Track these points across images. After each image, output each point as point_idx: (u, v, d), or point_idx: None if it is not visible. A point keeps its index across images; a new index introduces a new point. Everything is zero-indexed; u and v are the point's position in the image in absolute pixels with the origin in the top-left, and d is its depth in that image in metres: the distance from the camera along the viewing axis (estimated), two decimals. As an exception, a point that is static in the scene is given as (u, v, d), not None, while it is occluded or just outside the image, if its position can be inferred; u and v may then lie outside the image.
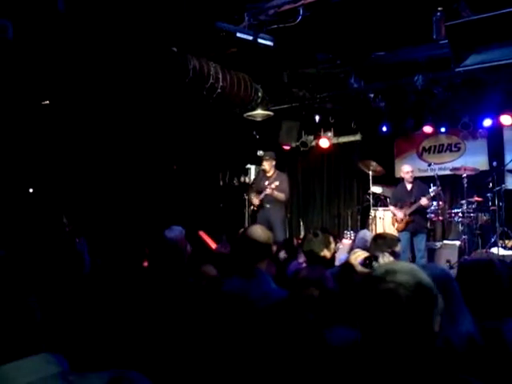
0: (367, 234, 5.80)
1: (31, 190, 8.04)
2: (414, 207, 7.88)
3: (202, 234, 7.76)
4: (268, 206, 8.25)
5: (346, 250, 8.09)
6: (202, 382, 1.72)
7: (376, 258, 2.72)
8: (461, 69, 6.87)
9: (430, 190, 7.92)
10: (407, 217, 7.94)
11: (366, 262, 2.69)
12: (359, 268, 2.77)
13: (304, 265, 4.47)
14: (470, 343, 2.12)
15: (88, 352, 1.90)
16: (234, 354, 1.80)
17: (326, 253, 3.75)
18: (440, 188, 8.04)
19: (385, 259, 2.71)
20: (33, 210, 7.62)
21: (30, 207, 7.66)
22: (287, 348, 1.86)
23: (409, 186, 8.16)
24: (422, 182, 8.32)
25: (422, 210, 8.01)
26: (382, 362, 1.40)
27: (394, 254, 3.61)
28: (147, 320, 2.16)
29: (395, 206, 8.22)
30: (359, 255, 2.80)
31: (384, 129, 9.46)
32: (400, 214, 8.02)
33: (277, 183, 8.01)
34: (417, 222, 7.95)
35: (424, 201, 7.79)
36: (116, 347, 1.90)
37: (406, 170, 8.21)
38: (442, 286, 2.37)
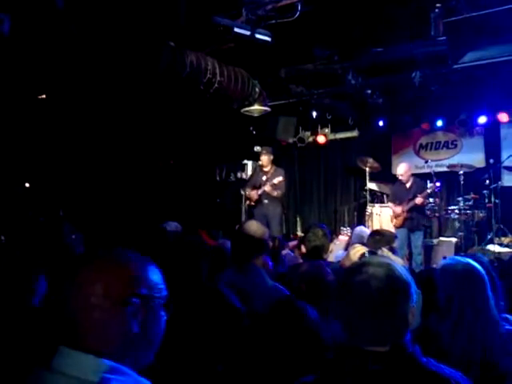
0: (363, 231, 5.82)
1: (27, 185, 8.02)
2: (410, 204, 7.89)
3: (200, 231, 7.76)
4: (266, 201, 8.27)
5: (343, 246, 8.11)
6: (195, 375, 1.72)
7: (375, 254, 2.73)
8: (458, 65, 6.89)
9: (428, 187, 7.93)
10: (405, 213, 7.94)
11: (364, 258, 2.72)
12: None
13: (299, 258, 4.47)
14: (504, 341, 2.13)
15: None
16: (229, 349, 1.80)
17: (332, 247, 3.80)
18: (437, 186, 8.03)
19: (383, 254, 2.72)
20: (29, 204, 7.60)
21: (26, 202, 7.64)
22: (284, 345, 1.86)
23: (407, 184, 8.16)
24: (420, 179, 8.31)
25: (420, 207, 8.02)
26: (360, 350, 1.43)
27: (392, 250, 3.62)
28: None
29: (394, 203, 8.23)
30: (358, 250, 2.82)
31: (381, 125, 9.46)
32: (398, 209, 8.03)
33: (280, 179, 8.04)
34: (414, 219, 7.96)
35: (419, 200, 7.79)
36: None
37: (400, 172, 8.19)
38: (465, 282, 2.36)
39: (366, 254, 2.76)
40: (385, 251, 2.77)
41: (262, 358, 1.83)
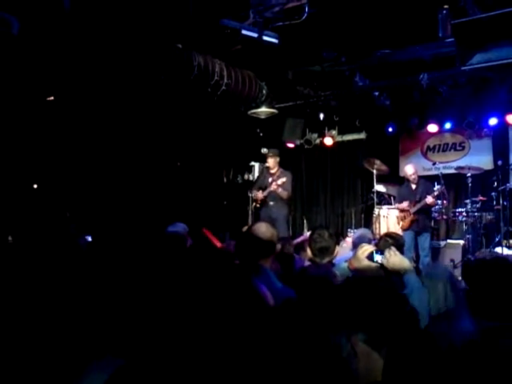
0: (367, 232, 5.80)
1: (35, 186, 8.05)
2: (418, 206, 7.86)
3: (206, 231, 7.75)
4: (271, 203, 8.25)
5: (350, 248, 8.08)
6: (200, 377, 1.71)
7: (382, 252, 2.72)
8: (466, 67, 6.85)
9: (435, 189, 7.89)
10: (412, 215, 7.92)
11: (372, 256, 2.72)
12: (365, 262, 2.76)
13: (307, 262, 4.45)
14: (470, 342, 2.12)
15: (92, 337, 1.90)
16: (233, 350, 1.78)
17: (338, 249, 3.79)
18: (444, 187, 8.00)
19: (391, 253, 2.71)
20: (37, 205, 7.63)
21: (34, 203, 7.67)
22: (289, 348, 1.85)
23: (414, 185, 8.15)
24: (426, 181, 8.29)
25: (427, 209, 7.98)
26: None
27: (401, 252, 3.62)
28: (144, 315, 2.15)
29: (404, 199, 8.16)
30: (366, 250, 2.80)
31: (389, 127, 9.44)
32: (405, 204, 7.97)
33: (284, 179, 8.02)
34: (421, 221, 7.93)
35: (429, 199, 7.76)
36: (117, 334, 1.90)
37: (409, 172, 8.16)
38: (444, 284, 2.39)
39: (375, 254, 2.75)
40: (393, 249, 2.76)
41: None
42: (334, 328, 1.53)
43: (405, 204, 8.00)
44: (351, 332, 1.40)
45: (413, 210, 7.92)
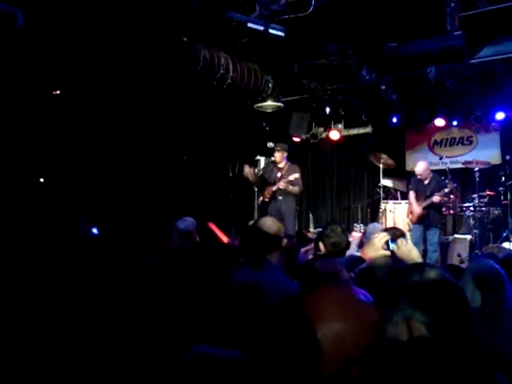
0: (377, 227, 5.78)
1: (42, 180, 8.07)
2: (427, 202, 7.79)
3: (212, 225, 7.74)
4: (280, 197, 8.20)
5: (356, 243, 8.05)
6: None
7: (394, 240, 2.72)
8: (475, 60, 6.80)
9: (447, 185, 7.79)
10: (422, 210, 7.87)
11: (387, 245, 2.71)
12: (381, 252, 2.74)
13: (310, 256, 4.45)
14: None
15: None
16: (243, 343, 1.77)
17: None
18: (456, 185, 7.91)
19: (403, 242, 2.71)
20: (43, 199, 7.65)
21: (41, 197, 7.69)
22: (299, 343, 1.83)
23: (426, 181, 8.04)
24: (438, 176, 8.16)
25: (437, 205, 7.91)
26: None
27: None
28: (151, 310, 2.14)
29: (415, 192, 8.07)
30: (383, 237, 2.77)
31: (395, 121, 9.38)
32: (417, 209, 7.91)
33: (296, 175, 7.96)
34: (431, 216, 7.85)
35: (436, 198, 7.67)
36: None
37: (416, 171, 8.02)
38: (490, 286, 2.32)
39: (390, 242, 2.74)
40: (405, 239, 2.75)
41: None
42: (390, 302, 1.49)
43: (416, 209, 7.90)
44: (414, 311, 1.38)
45: (423, 204, 7.86)
